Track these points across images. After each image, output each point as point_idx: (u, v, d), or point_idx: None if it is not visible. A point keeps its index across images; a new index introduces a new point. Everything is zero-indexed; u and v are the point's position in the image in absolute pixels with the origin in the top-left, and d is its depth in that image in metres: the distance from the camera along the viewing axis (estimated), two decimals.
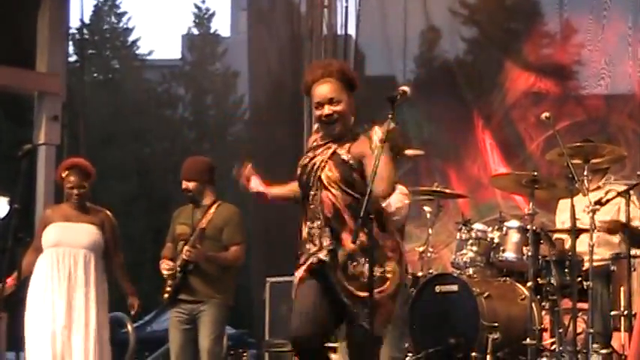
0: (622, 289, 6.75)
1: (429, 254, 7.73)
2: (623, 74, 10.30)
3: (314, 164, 5.09)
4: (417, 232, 10.36)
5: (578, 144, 7.10)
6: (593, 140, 7.28)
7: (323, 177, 5.03)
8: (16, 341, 9.06)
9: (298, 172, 5.16)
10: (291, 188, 5.31)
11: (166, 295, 7.05)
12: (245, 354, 8.31)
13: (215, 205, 7.10)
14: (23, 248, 6.53)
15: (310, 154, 5.16)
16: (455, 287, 7.12)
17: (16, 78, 8.27)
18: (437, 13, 11.44)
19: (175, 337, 7.13)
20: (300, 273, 5.07)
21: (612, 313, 6.84)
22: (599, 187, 7.24)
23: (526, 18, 11.23)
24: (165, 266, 7.01)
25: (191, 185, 7.11)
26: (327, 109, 5.06)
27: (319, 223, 5.01)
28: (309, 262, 5.02)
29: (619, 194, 6.82)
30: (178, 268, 6.96)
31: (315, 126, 5.31)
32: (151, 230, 21.92)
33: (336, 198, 5.00)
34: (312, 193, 5.05)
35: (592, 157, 7.00)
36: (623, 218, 6.90)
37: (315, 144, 5.21)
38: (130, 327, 10.32)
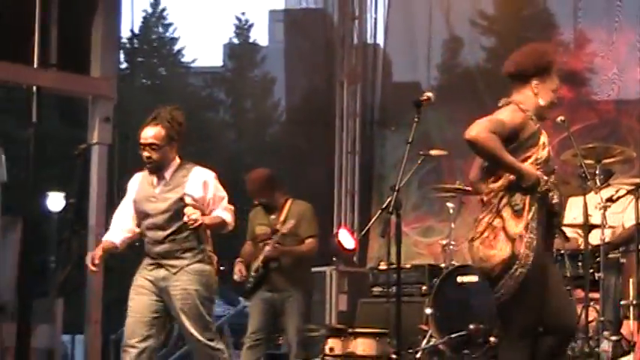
0: (631, 280, 6.71)
1: (451, 247, 7.72)
2: (633, 81, 10.22)
3: None
4: (440, 227, 10.33)
5: (590, 145, 7.05)
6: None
7: None
8: (71, 325, 9.10)
9: None
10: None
11: (249, 286, 7.16)
12: (280, 338, 8.35)
13: (288, 204, 7.16)
14: (78, 239, 6.55)
15: None
16: (475, 278, 7.11)
17: (72, 83, 8.30)
18: (459, 24, 11.41)
19: (258, 313, 7.18)
20: None
21: (622, 302, 6.80)
22: (609, 185, 7.18)
23: (542, 28, 11.15)
24: (238, 274, 7.13)
25: (263, 200, 7.23)
26: None
27: None
28: None
29: (629, 192, 6.77)
30: (261, 264, 7.07)
31: None
32: None
33: None
34: None
35: (604, 157, 6.95)
36: None
37: None
38: None
